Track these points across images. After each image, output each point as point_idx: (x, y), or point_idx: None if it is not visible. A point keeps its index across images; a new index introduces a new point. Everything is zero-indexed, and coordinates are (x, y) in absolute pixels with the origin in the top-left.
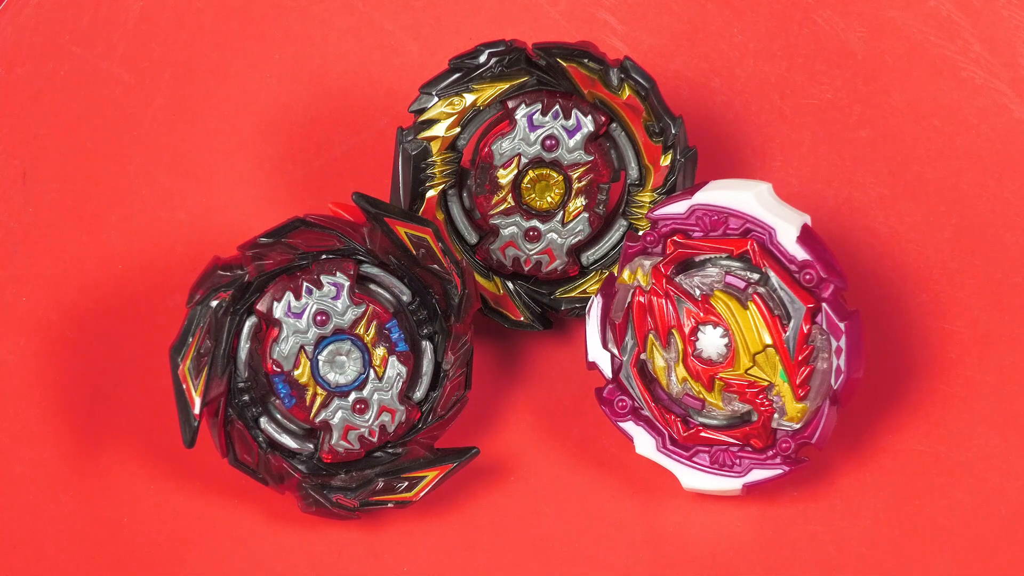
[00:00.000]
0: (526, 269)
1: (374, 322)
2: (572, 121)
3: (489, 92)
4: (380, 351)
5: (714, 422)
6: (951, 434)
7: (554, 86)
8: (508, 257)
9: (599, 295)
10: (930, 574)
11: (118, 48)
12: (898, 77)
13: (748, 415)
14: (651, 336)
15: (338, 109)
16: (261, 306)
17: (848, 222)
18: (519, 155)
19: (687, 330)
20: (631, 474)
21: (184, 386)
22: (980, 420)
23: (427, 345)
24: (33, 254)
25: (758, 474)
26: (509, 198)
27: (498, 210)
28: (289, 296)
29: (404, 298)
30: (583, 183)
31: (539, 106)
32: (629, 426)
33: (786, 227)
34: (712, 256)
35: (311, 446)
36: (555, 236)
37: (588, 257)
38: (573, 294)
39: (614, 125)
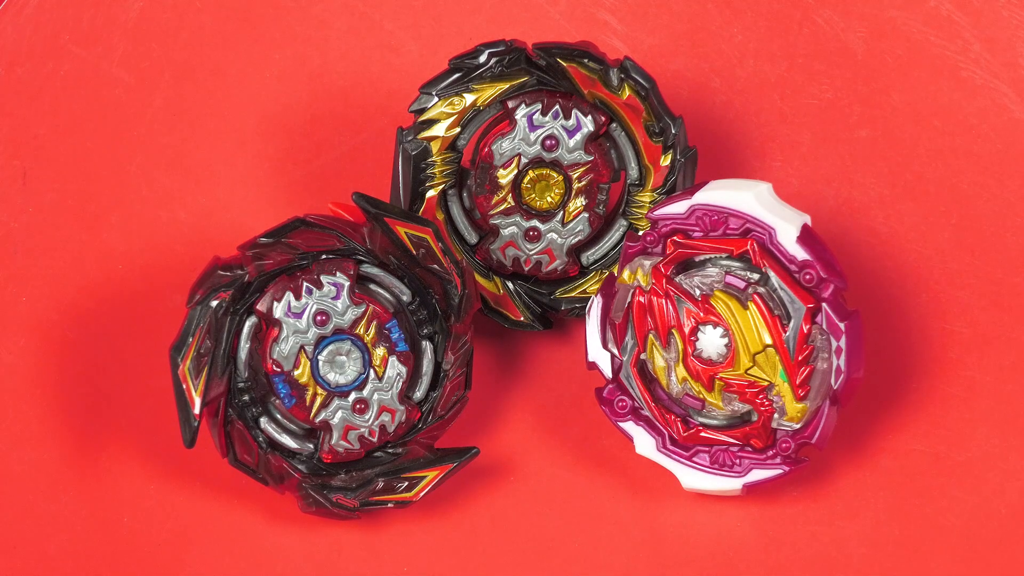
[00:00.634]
0: (526, 269)
1: (374, 322)
2: (572, 121)
3: (489, 92)
4: (380, 351)
5: (714, 422)
6: (951, 434)
7: (554, 86)
8: (508, 257)
9: (599, 295)
10: (930, 574)
11: (118, 48)
12: (898, 77)
13: (748, 415)
14: (651, 336)
15: (338, 109)
16: (261, 306)
17: (848, 222)
18: (519, 155)
19: (687, 330)
20: (631, 474)
21: (184, 386)
22: (980, 420)
23: (427, 345)
24: (33, 254)
25: (758, 474)
26: (509, 198)
27: (498, 210)
28: (289, 296)
29: (404, 298)
30: (583, 183)
31: (539, 106)
32: (629, 426)
33: (786, 227)
34: (712, 256)
35: (311, 446)
36: (555, 236)
37: (588, 257)
38: (573, 294)
39: (614, 125)
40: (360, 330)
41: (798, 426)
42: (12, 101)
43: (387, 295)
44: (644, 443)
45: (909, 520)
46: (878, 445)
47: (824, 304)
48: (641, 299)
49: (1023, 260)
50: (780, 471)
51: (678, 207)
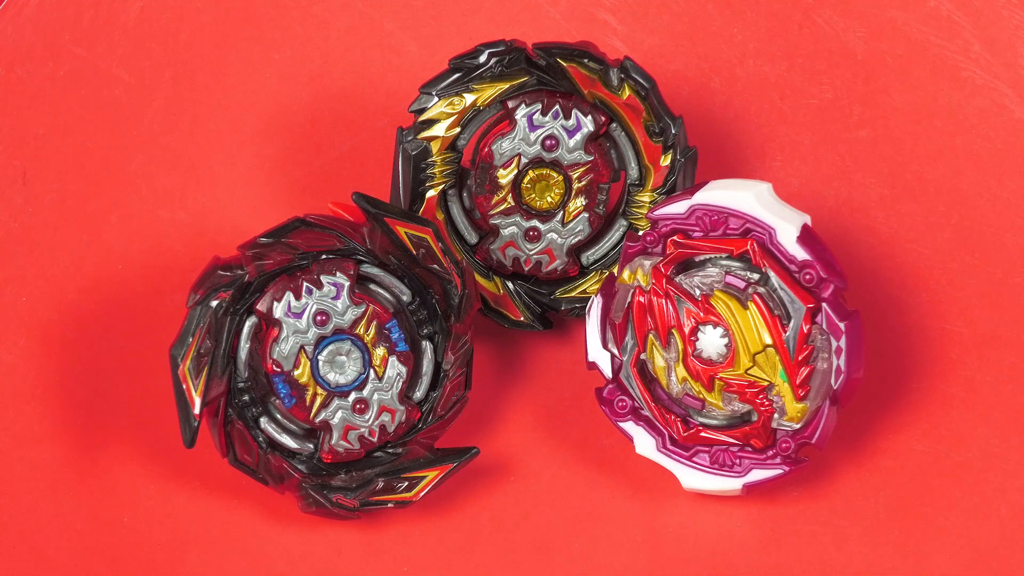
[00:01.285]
0: (526, 269)
1: (374, 322)
2: (572, 121)
3: (489, 92)
4: (380, 351)
5: (714, 422)
6: (951, 434)
7: (554, 86)
8: (508, 257)
9: (599, 295)
10: (930, 574)
11: (118, 48)
12: (898, 77)
13: (748, 415)
14: (651, 336)
15: (338, 109)
16: (261, 306)
17: (848, 222)
18: (519, 155)
19: (687, 330)
20: (631, 474)
21: (184, 386)
22: (980, 420)
23: (427, 345)
24: (33, 254)
25: (758, 474)
26: (509, 198)
27: (498, 210)
28: (289, 296)
29: (404, 298)
30: (583, 183)
31: (539, 106)
32: (629, 426)
33: (786, 227)
34: (712, 256)
35: (311, 446)
36: (555, 236)
37: (588, 257)
38: (573, 294)
39: (614, 125)
40: (360, 330)
41: (798, 426)
42: (12, 101)
43: (387, 295)
44: (644, 443)
45: (909, 520)
46: (878, 445)
47: (824, 304)
48: (641, 299)
49: (1023, 260)
50: (780, 471)
51: (678, 207)
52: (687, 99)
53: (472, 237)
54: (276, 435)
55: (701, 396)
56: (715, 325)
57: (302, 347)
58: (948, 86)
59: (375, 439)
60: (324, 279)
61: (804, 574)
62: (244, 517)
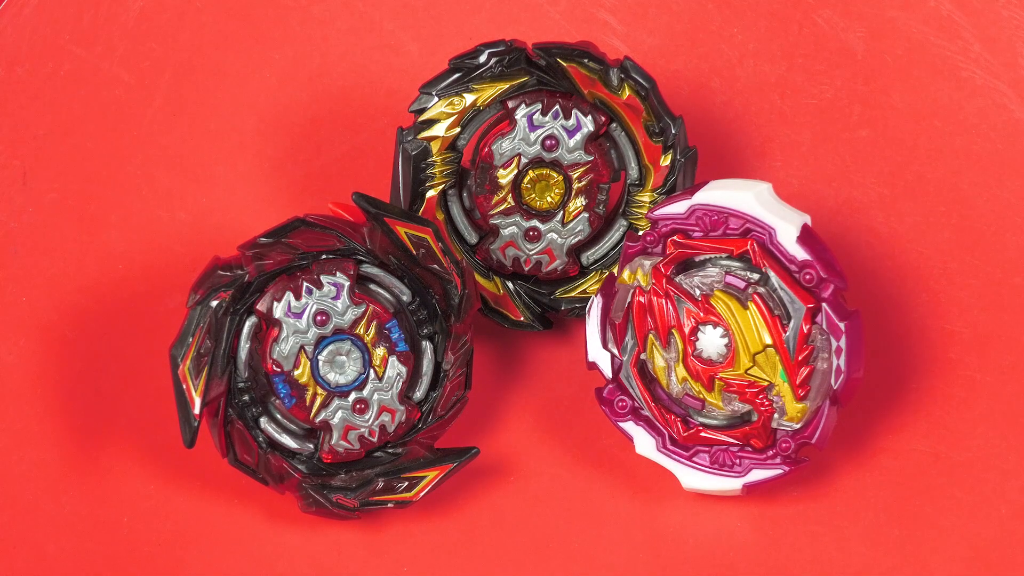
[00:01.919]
0: (526, 269)
1: (374, 322)
2: (572, 121)
3: (489, 92)
4: (380, 351)
5: (714, 422)
6: (951, 434)
7: (554, 86)
8: (508, 257)
9: (599, 295)
10: (930, 574)
11: (118, 48)
12: (898, 77)
13: (748, 415)
14: (651, 336)
15: (338, 109)
16: (261, 306)
17: (848, 222)
18: (519, 155)
19: (687, 330)
20: (631, 474)
21: (184, 386)
22: (980, 420)
23: (427, 345)
24: (33, 254)
25: (758, 474)
26: (509, 198)
27: (498, 210)
28: (289, 296)
29: (404, 298)
30: (583, 183)
31: (539, 106)
32: (629, 426)
33: (786, 227)
34: (712, 256)
35: (311, 446)
36: (555, 236)
37: (588, 257)
38: (573, 294)
39: (614, 125)
40: (360, 330)
41: (798, 426)
42: (12, 101)
43: (387, 295)
44: (644, 443)
45: (909, 520)
46: (878, 445)
47: (824, 304)
48: (641, 299)
49: (1023, 260)
50: (780, 471)
51: (678, 207)
52: (687, 99)
53: (472, 237)
54: (276, 435)
55: (701, 396)
56: (715, 325)
57: (302, 347)
58: (948, 86)
59: (375, 439)
60: (324, 279)
61: (804, 574)
62: (244, 517)
